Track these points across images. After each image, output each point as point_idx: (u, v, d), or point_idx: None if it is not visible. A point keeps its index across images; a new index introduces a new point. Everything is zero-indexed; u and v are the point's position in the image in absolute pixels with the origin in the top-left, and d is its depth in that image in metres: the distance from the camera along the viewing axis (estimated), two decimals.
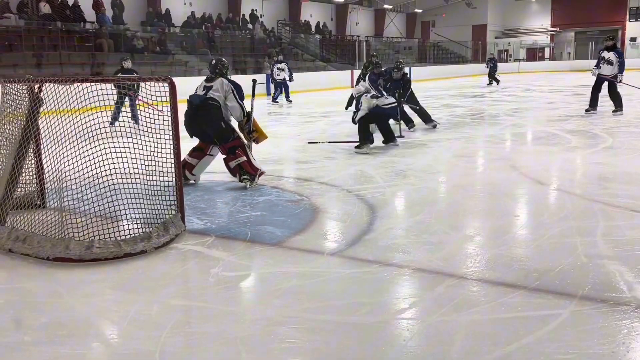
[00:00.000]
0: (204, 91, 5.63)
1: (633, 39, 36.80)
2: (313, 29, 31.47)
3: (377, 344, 2.60)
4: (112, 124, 6.81)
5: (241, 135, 5.90)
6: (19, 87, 4.54)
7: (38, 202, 4.72)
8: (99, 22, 19.76)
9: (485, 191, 5.59)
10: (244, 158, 5.67)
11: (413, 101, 10.34)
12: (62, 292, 3.30)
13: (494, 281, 3.29)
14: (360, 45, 28.62)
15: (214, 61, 5.96)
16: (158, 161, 4.27)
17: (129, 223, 4.10)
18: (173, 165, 4.26)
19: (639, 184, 5.58)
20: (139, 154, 4.20)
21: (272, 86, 17.67)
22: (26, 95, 4.48)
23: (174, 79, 4.25)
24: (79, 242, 3.76)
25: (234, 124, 5.86)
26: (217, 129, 5.61)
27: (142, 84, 4.54)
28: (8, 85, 4.58)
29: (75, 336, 2.73)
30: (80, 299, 3.20)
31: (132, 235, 3.92)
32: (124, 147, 4.17)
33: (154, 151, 4.26)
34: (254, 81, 6.69)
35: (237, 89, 5.75)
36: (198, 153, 5.91)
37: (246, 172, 5.67)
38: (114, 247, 3.77)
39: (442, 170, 6.58)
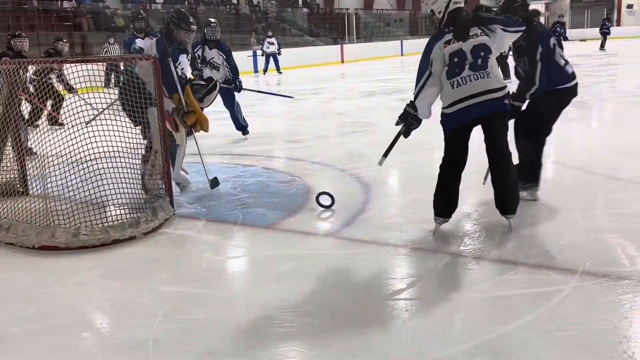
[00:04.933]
0: None
1: (630, 6, 36.64)
2: (300, 3, 31.12)
3: (375, 324, 2.61)
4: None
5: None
6: None
7: (20, 189, 4.67)
8: (77, 0, 19.44)
9: (482, 166, 5.58)
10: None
11: None
12: (50, 282, 3.27)
13: (494, 258, 3.30)
14: (350, 18, 28.38)
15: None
16: (144, 144, 4.23)
17: (117, 208, 4.08)
18: (160, 148, 4.22)
19: (639, 156, 5.60)
20: (125, 137, 4.16)
21: (259, 61, 18.60)
22: (4, 78, 4.41)
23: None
24: (65, 230, 3.73)
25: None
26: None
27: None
28: None
29: (67, 326, 2.71)
30: (69, 287, 3.18)
31: (120, 221, 3.90)
32: (109, 130, 4.12)
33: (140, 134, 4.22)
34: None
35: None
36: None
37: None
38: (102, 233, 3.74)
39: (437, 147, 6.55)
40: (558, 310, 2.66)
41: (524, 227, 3.72)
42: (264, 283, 3.12)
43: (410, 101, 3.67)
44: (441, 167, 3.68)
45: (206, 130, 4.65)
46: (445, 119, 3.55)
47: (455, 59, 3.41)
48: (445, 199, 3.66)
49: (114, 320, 2.82)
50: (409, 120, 3.69)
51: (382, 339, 2.50)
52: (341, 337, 2.52)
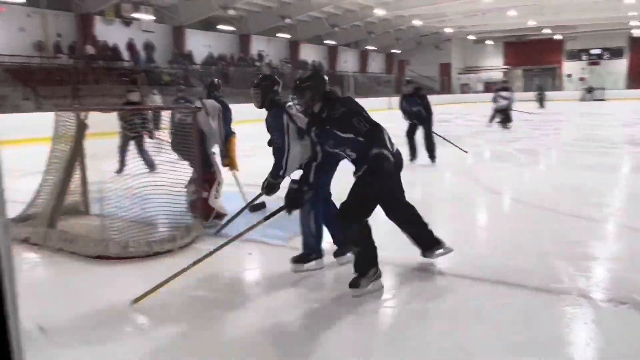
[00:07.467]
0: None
1: (569, 75, 37.31)
2: (309, 66, 31.53)
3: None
4: (119, 171, 5.83)
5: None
6: (67, 115, 4.52)
7: (83, 210, 4.68)
8: (134, 61, 19.80)
9: (447, 199, 5.58)
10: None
11: None
12: (103, 284, 3.25)
13: (461, 275, 3.26)
14: (348, 79, 28.73)
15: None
16: (181, 174, 4.25)
17: (158, 227, 4.07)
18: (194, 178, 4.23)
19: (579, 193, 5.59)
20: (166, 168, 4.19)
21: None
22: (74, 121, 4.46)
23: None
24: (117, 243, 3.72)
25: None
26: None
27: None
28: (59, 113, 4.56)
29: (113, 323, 2.68)
30: (118, 290, 3.14)
31: (160, 237, 3.89)
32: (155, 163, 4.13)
33: (178, 166, 4.25)
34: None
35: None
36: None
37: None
38: (146, 247, 3.73)
39: (416, 182, 6.54)
40: (511, 319, 2.62)
41: (484, 251, 3.69)
42: (275, 292, 3.09)
43: None
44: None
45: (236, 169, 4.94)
46: None
47: None
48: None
49: (152, 319, 2.79)
50: None
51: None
52: None
